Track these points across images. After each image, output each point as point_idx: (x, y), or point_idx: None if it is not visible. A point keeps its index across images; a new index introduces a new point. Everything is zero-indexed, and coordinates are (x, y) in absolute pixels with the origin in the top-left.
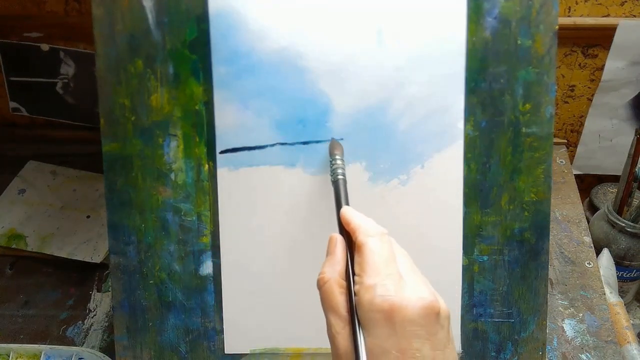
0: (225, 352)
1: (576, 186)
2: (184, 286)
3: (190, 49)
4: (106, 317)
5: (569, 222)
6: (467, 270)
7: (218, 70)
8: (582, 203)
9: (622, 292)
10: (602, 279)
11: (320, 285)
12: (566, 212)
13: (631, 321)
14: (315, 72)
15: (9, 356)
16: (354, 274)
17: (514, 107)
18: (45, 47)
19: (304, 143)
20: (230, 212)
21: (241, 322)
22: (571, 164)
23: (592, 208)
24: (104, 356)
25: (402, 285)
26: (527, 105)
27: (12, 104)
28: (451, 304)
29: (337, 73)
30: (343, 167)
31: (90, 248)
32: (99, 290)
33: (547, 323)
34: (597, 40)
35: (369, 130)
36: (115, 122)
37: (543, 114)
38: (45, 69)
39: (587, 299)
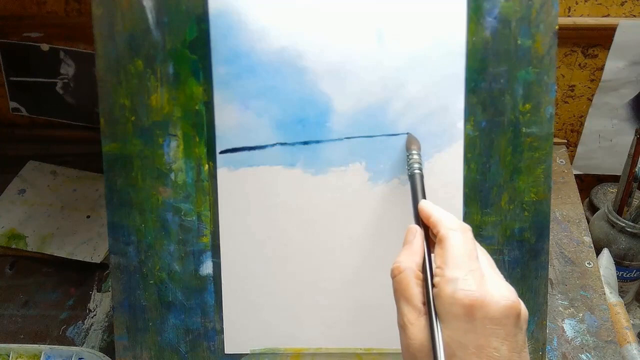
0: (225, 352)
1: (576, 186)
2: (184, 286)
3: (190, 49)
4: (106, 317)
5: (569, 222)
6: None
7: (218, 70)
8: (582, 203)
9: (622, 292)
10: (602, 279)
11: (395, 274)
12: (566, 212)
13: (631, 321)
14: (315, 72)
15: (8, 356)
16: (431, 266)
17: (514, 107)
18: (45, 47)
19: (304, 143)
20: (230, 212)
21: (241, 322)
22: (571, 164)
23: (592, 208)
24: (104, 356)
25: (484, 282)
26: (527, 105)
27: (12, 104)
28: None
29: (337, 73)
30: (420, 161)
31: (90, 248)
32: (99, 290)
33: (547, 323)
34: (597, 40)
35: (369, 130)
36: (115, 122)
37: (543, 114)
38: (45, 69)
39: (587, 299)
